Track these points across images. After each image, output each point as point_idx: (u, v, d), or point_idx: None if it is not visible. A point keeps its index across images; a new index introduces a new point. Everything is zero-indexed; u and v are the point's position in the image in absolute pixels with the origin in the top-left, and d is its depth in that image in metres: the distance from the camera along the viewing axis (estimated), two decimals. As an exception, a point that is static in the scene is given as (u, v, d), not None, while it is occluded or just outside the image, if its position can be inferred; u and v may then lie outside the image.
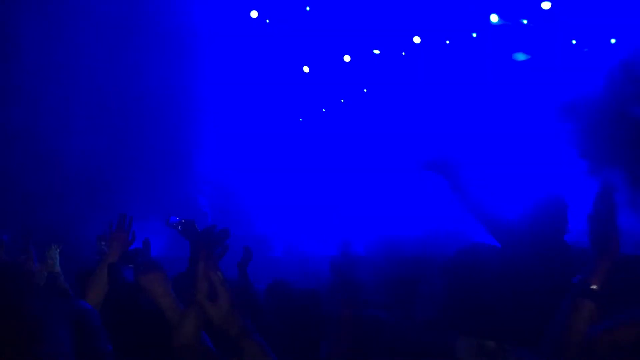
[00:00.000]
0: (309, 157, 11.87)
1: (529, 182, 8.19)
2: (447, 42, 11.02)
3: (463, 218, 3.75)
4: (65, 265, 4.67)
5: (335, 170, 11.65)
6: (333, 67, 11.76)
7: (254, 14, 11.71)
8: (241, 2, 11.67)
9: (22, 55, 10.58)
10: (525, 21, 10.43)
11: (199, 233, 3.18)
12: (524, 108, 9.77)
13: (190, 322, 2.27)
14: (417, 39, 11.13)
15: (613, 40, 9.11)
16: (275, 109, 12.00)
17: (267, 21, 11.82)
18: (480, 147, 9.69)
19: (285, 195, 11.56)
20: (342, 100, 12.14)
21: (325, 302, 3.47)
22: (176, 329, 2.31)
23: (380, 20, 11.10)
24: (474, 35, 10.84)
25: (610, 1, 9.00)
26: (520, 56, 10.47)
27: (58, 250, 4.67)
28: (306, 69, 11.87)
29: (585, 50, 9.35)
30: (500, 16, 10.54)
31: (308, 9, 11.62)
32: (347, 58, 11.68)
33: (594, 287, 2.21)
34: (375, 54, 11.58)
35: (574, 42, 9.80)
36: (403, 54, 11.40)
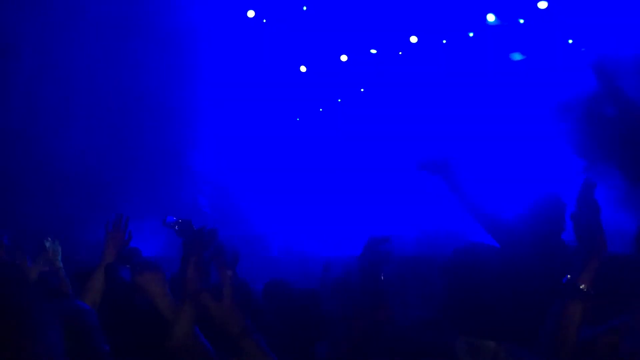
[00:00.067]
0: (307, 157, 11.86)
1: (527, 182, 8.20)
2: (444, 41, 11.02)
3: (461, 218, 3.75)
4: (63, 266, 4.66)
5: (333, 169, 11.64)
6: (330, 67, 11.75)
7: (250, 13, 11.69)
8: (238, 1, 11.65)
9: (20, 55, 10.56)
10: (521, 21, 10.44)
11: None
12: (521, 107, 9.77)
13: (183, 322, 2.26)
14: (414, 39, 11.13)
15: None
16: (272, 108, 11.98)
17: (264, 21, 11.81)
18: (477, 146, 9.70)
19: (283, 195, 11.54)
20: (339, 100, 12.13)
21: (324, 301, 3.46)
22: (170, 328, 2.30)
23: (377, 19, 11.09)
24: (471, 35, 10.85)
25: (606, 0, 9.00)
26: (516, 56, 10.47)
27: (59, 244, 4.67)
28: (303, 69, 11.86)
29: (583, 49, 9.35)
30: (496, 16, 10.54)
31: (305, 8, 11.61)
32: (344, 58, 11.68)
33: (583, 287, 2.21)
34: (372, 53, 11.58)
35: (570, 41, 9.81)
36: (400, 53, 11.40)
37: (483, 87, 10.47)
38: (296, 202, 11.43)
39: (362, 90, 11.90)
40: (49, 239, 4.55)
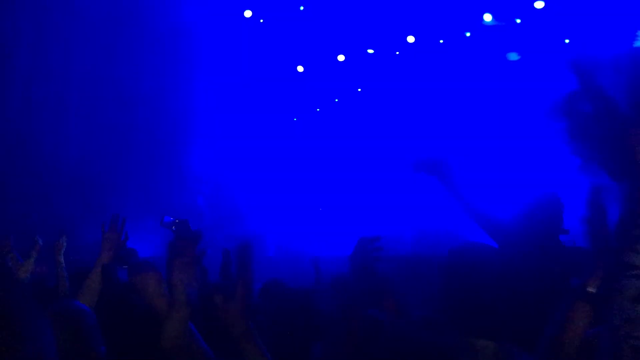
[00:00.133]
0: (303, 157, 11.86)
1: (524, 182, 8.20)
2: (441, 41, 11.03)
3: (458, 217, 3.75)
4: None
5: (330, 169, 11.64)
6: (327, 67, 11.75)
7: (247, 13, 11.69)
8: (235, 1, 11.64)
9: (15, 56, 10.54)
10: (518, 20, 10.45)
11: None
12: (517, 107, 9.78)
13: (175, 322, 2.26)
14: (411, 39, 11.14)
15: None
16: (269, 108, 11.98)
17: (261, 21, 11.80)
18: (474, 146, 9.70)
19: (279, 195, 11.54)
20: (337, 100, 12.13)
21: (320, 301, 3.46)
22: (162, 328, 2.30)
23: (374, 19, 11.10)
24: (468, 34, 10.85)
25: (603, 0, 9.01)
26: (513, 56, 10.49)
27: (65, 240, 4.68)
28: (300, 69, 11.86)
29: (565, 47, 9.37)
30: (493, 16, 10.55)
31: (302, 8, 11.61)
32: (341, 58, 11.68)
33: (591, 290, 2.22)
34: (369, 53, 11.58)
35: (567, 41, 9.82)
36: (397, 53, 11.41)
37: (480, 87, 10.48)
38: (293, 202, 11.43)
39: (359, 90, 11.90)
40: (37, 237, 4.56)
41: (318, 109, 12.21)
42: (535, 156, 9.11)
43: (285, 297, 3.62)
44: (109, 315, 2.85)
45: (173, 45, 11.19)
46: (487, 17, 10.54)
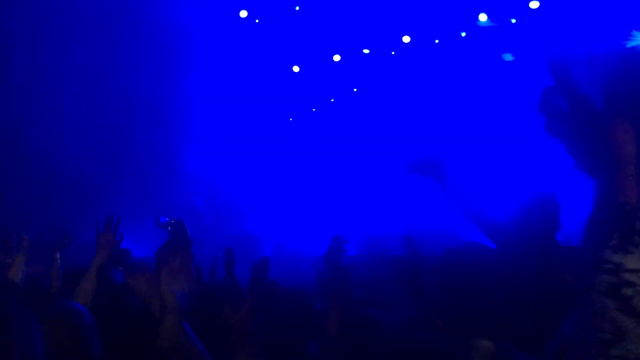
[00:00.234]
0: (299, 157, 11.85)
1: (521, 182, 8.21)
2: (437, 41, 11.03)
3: (454, 218, 3.74)
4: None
5: (325, 169, 11.64)
6: (323, 67, 11.75)
7: (243, 13, 11.68)
8: (230, 1, 11.63)
9: (12, 55, 10.51)
10: (513, 21, 10.46)
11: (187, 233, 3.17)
12: (513, 108, 9.78)
13: (168, 323, 2.26)
14: (406, 39, 11.14)
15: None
16: (265, 108, 11.97)
17: (257, 21, 11.79)
18: (470, 147, 9.71)
19: (275, 195, 11.53)
20: (332, 100, 12.13)
21: (316, 301, 3.46)
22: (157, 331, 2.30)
23: (369, 19, 11.10)
24: (463, 34, 10.86)
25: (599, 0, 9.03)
26: (508, 56, 10.50)
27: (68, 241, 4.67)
28: (296, 69, 11.86)
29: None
30: (488, 16, 10.56)
31: (297, 8, 11.61)
32: (336, 57, 11.67)
33: None
34: (364, 53, 11.58)
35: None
36: (393, 53, 11.41)
37: (475, 87, 10.49)
38: (289, 202, 11.42)
39: (354, 90, 11.90)
40: (25, 235, 4.54)
41: (314, 109, 12.21)
42: (532, 156, 9.12)
43: (280, 297, 3.62)
44: (103, 315, 2.84)
45: (169, 46, 11.17)
46: (483, 18, 10.55)
